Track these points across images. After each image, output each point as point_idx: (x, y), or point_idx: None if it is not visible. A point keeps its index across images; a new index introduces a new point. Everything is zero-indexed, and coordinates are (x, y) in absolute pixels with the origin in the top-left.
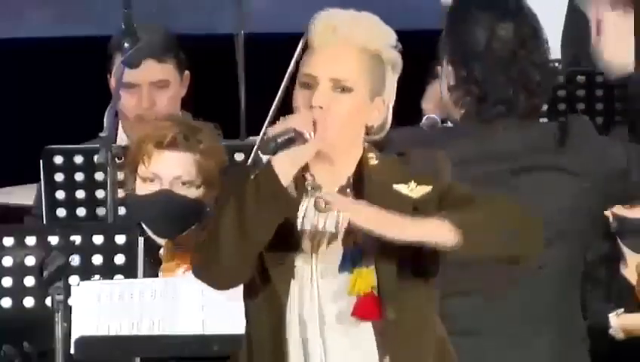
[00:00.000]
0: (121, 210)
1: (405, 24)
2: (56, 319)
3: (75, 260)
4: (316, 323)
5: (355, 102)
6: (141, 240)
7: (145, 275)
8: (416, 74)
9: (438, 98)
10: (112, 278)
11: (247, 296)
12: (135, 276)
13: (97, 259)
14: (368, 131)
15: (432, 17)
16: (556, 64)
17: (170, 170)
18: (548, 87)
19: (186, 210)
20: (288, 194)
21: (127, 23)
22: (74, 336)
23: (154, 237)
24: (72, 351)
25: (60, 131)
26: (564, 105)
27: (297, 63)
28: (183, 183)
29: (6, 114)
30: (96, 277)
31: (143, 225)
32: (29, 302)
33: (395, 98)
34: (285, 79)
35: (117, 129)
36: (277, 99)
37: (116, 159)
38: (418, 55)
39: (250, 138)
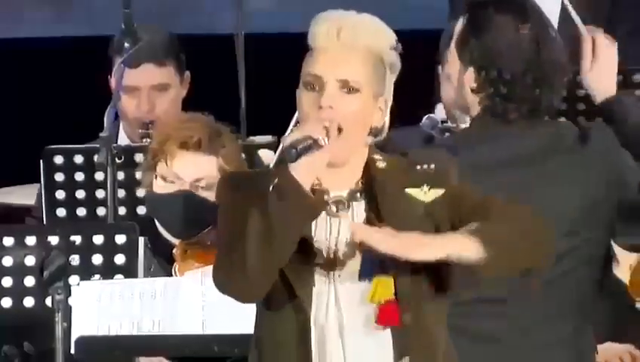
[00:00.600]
0: (122, 210)
1: (405, 24)
2: (57, 319)
3: (75, 260)
4: (336, 329)
5: (362, 103)
6: (141, 239)
7: (155, 275)
8: (416, 74)
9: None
10: (112, 278)
11: (267, 303)
12: (135, 276)
13: (97, 259)
14: (372, 132)
15: (432, 17)
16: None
17: (193, 172)
18: (564, 85)
19: (204, 213)
20: (313, 202)
21: (127, 23)
22: (74, 336)
23: (167, 236)
24: (72, 350)
25: (60, 131)
26: (563, 105)
27: None
28: (203, 186)
29: (6, 114)
30: (96, 277)
31: (157, 224)
32: (29, 302)
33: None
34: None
35: (118, 129)
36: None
37: (116, 159)
38: (418, 55)
39: (250, 138)
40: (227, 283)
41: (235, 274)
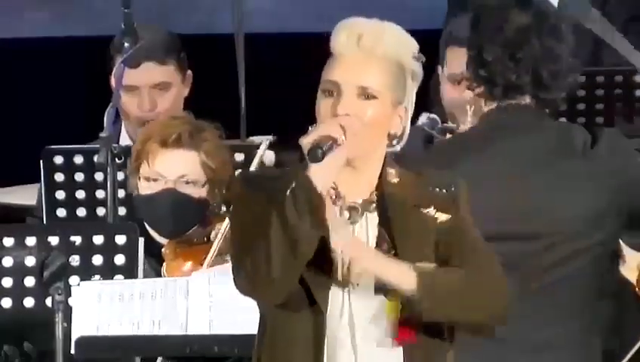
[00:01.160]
0: (122, 210)
1: (405, 24)
2: (57, 319)
3: (75, 260)
4: (349, 340)
5: (380, 110)
6: (141, 240)
7: (146, 276)
8: None
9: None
10: (112, 278)
11: (283, 307)
12: (135, 276)
13: (97, 259)
14: (390, 139)
15: (432, 17)
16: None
17: (175, 169)
18: (564, 81)
19: (190, 209)
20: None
21: (127, 23)
22: (74, 336)
23: (156, 236)
24: (72, 351)
25: (60, 131)
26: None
27: None
28: (187, 182)
29: (6, 114)
30: (97, 277)
31: (146, 225)
32: (29, 302)
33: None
34: None
35: (120, 129)
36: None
37: (116, 159)
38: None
39: (250, 138)
40: (251, 287)
41: (259, 278)
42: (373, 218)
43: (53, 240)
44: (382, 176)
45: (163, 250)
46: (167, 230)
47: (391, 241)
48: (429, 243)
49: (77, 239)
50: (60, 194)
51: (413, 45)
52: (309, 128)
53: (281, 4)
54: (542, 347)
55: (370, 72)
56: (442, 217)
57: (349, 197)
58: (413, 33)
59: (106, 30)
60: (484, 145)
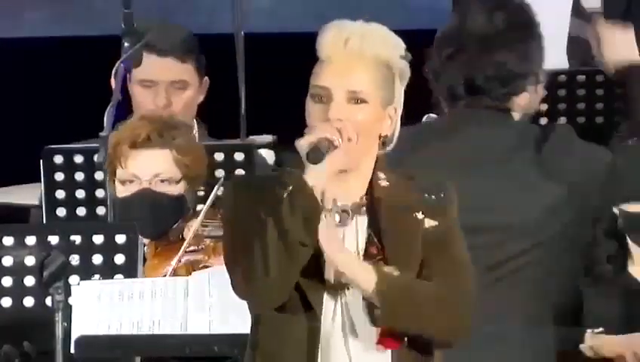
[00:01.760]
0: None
1: (406, 24)
2: (57, 319)
3: (75, 260)
4: (342, 342)
5: (371, 113)
6: (141, 239)
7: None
8: (416, 74)
9: None
10: (112, 278)
11: (277, 310)
12: (135, 276)
13: (97, 259)
14: (381, 140)
15: (433, 18)
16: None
17: (149, 169)
18: (522, 79)
19: (168, 208)
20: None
21: (127, 23)
22: (74, 336)
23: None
24: (72, 350)
25: (60, 131)
26: (564, 104)
27: None
28: (162, 180)
29: (6, 113)
30: (96, 277)
31: None
32: (29, 302)
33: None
34: None
35: None
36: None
37: None
38: (417, 55)
39: (250, 138)
40: (249, 292)
41: (257, 283)
42: (363, 221)
43: (53, 239)
44: (373, 180)
45: (145, 249)
46: (148, 231)
47: (380, 245)
48: (418, 247)
49: (77, 238)
50: (60, 194)
51: (399, 45)
52: (304, 133)
53: (280, 4)
54: (493, 339)
55: (359, 74)
56: (430, 223)
57: (340, 201)
58: (414, 33)
59: (106, 30)
60: (448, 135)
